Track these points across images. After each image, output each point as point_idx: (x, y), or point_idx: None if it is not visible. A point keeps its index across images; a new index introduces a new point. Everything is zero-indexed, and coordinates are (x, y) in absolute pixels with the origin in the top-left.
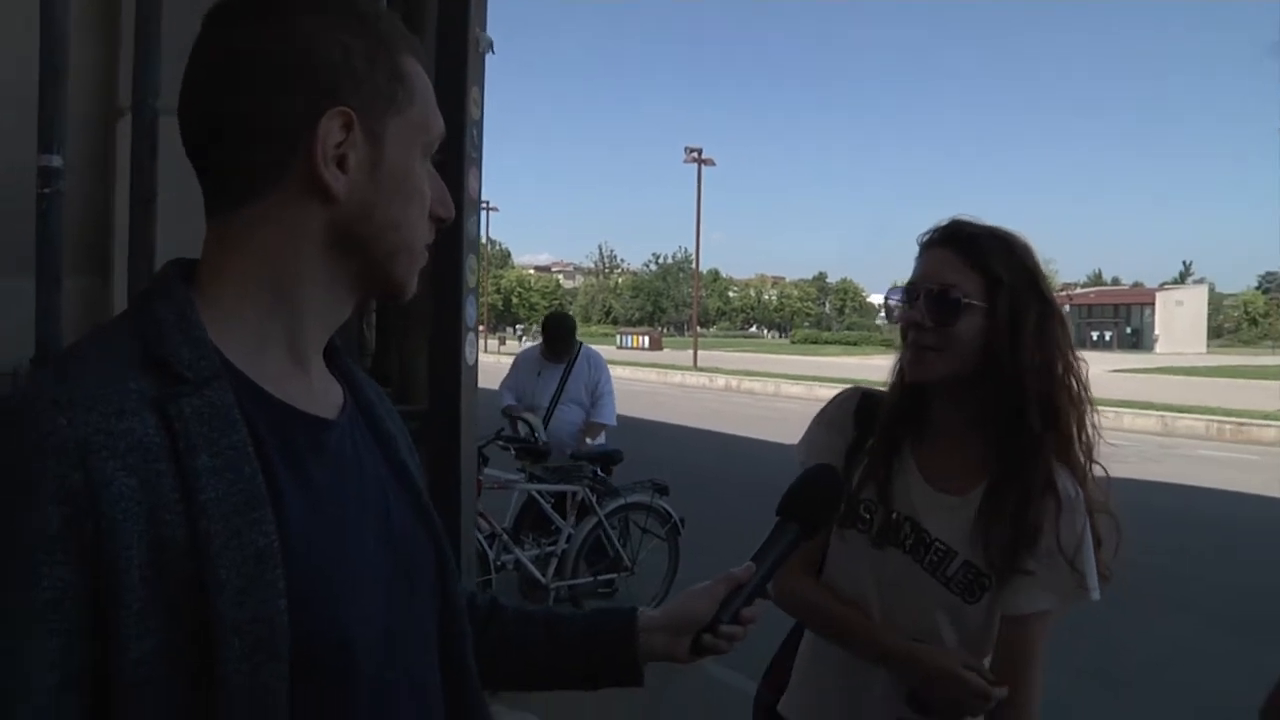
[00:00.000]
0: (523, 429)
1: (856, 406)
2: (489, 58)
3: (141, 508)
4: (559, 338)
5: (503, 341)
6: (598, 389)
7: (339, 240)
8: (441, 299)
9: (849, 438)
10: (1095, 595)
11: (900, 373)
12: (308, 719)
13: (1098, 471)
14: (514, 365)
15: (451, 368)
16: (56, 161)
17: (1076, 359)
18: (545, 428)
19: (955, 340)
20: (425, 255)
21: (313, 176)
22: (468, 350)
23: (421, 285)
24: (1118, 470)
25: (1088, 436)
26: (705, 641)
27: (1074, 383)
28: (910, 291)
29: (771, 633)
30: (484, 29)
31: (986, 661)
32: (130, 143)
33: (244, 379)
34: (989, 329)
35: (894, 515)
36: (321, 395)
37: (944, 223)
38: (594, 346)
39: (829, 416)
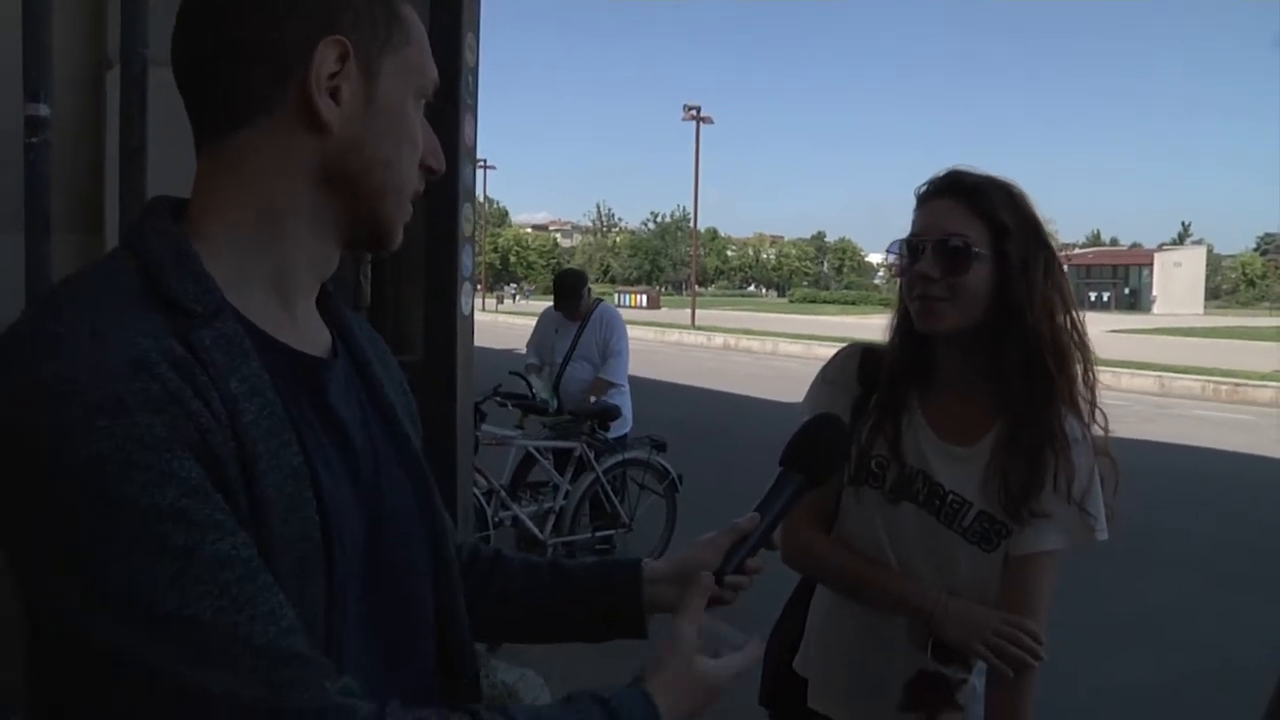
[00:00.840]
0: (536, 384)
1: (859, 363)
2: (487, 7)
3: (210, 416)
4: (565, 294)
5: (500, 300)
6: (608, 347)
7: (329, 175)
8: (436, 248)
9: (854, 394)
10: (1103, 535)
11: (899, 328)
12: (338, 639)
13: (1097, 415)
14: (537, 324)
15: (447, 318)
16: (43, 110)
17: (1076, 304)
18: (558, 384)
19: (965, 290)
20: (410, 209)
21: (306, 104)
22: (464, 300)
23: (417, 234)
24: (1114, 429)
25: (1091, 379)
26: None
27: (1078, 325)
28: (914, 244)
29: (774, 590)
30: None
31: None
32: (119, 94)
33: (239, 315)
34: (999, 277)
35: (906, 469)
36: (308, 338)
37: (942, 173)
38: None
39: (832, 374)
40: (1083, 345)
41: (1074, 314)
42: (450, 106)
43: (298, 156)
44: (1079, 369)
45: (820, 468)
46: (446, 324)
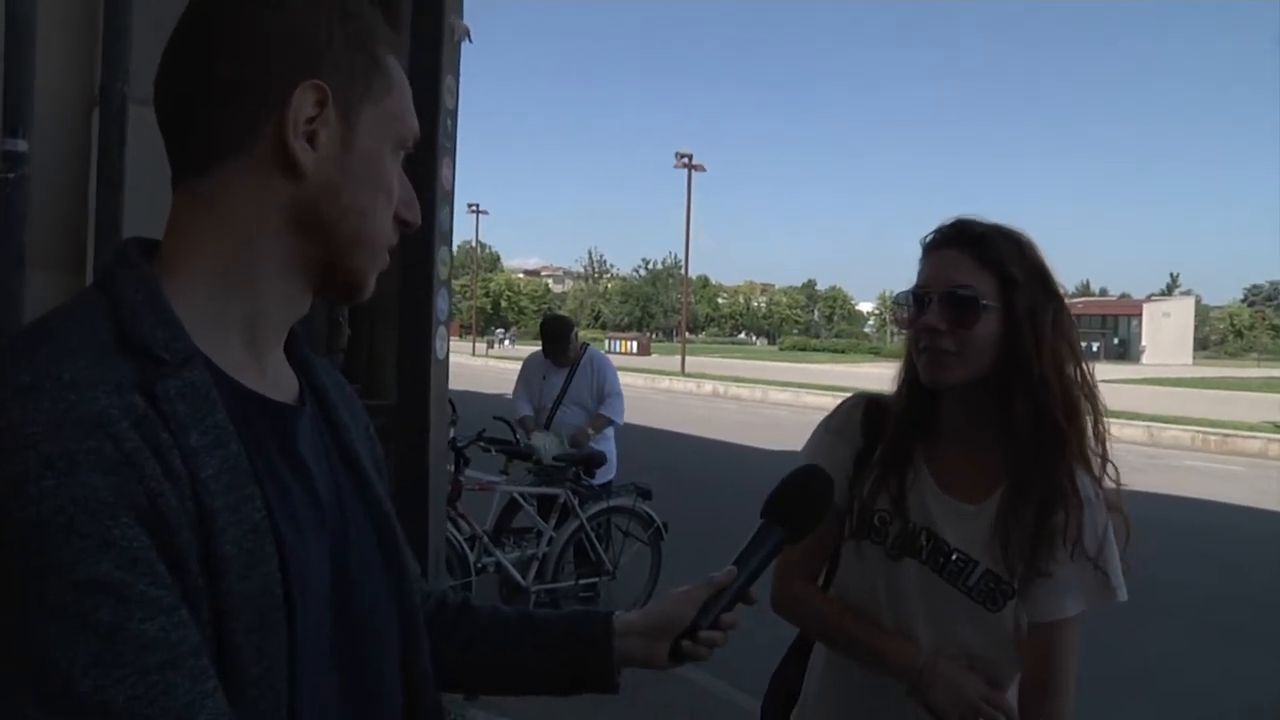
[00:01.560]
0: (541, 442)
1: (864, 413)
2: (473, 52)
3: (166, 477)
4: (552, 341)
5: (491, 345)
6: (605, 389)
7: (302, 220)
8: (411, 291)
9: (857, 446)
10: (1122, 596)
11: (906, 380)
12: (302, 693)
13: (1109, 469)
14: (521, 370)
15: (420, 362)
16: (22, 145)
17: (1084, 354)
18: (547, 430)
19: (973, 343)
20: (386, 259)
21: (282, 147)
22: (438, 344)
23: (392, 278)
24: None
25: (1102, 432)
26: (684, 647)
27: (1087, 376)
28: (920, 296)
29: (762, 643)
30: (460, 16)
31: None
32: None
33: (209, 363)
34: (1007, 329)
35: (910, 525)
36: (275, 384)
37: (948, 222)
38: None
39: (836, 425)
40: (1093, 397)
41: (1084, 365)
42: (428, 149)
43: (271, 199)
44: (1089, 422)
45: (803, 522)
46: (420, 368)
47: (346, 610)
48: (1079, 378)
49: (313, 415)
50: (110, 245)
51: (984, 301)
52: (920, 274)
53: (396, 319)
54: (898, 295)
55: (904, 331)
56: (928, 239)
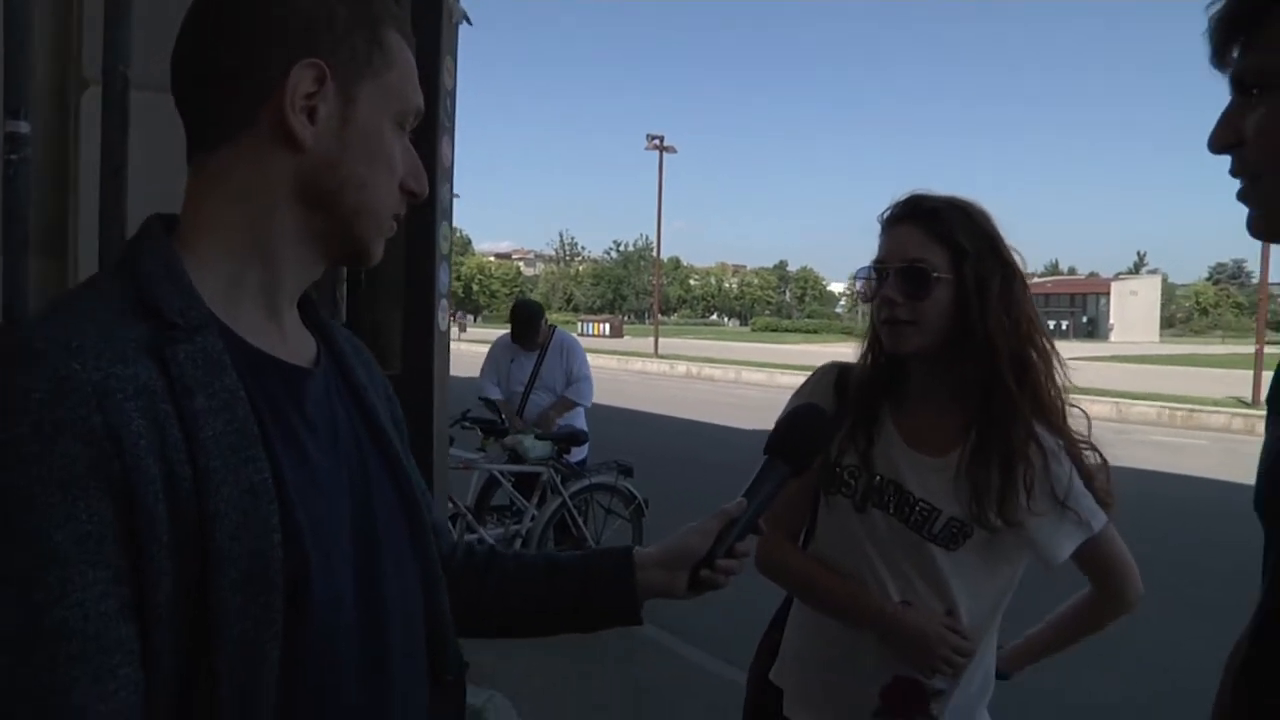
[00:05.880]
0: (529, 444)
1: (835, 379)
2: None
3: (155, 447)
4: (522, 325)
5: (463, 329)
6: (573, 373)
7: (305, 192)
8: (415, 265)
9: (830, 410)
10: (1099, 523)
11: (871, 347)
12: (296, 664)
13: (1074, 415)
14: (489, 354)
15: (424, 333)
16: (24, 127)
17: (1037, 315)
18: (521, 414)
19: (927, 312)
20: (393, 226)
21: (281, 122)
22: (440, 316)
23: (396, 251)
24: None
25: (1058, 384)
26: (703, 576)
27: (1038, 336)
28: (879, 269)
29: (750, 614)
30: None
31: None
32: (100, 114)
33: (225, 328)
34: (958, 298)
35: (877, 479)
36: (294, 347)
37: (903, 198)
38: None
39: (808, 390)
40: (1045, 353)
41: (1036, 324)
42: (428, 128)
43: (274, 171)
44: (1044, 376)
45: (804, 456)
46: (424, 339)
47: (369, 565)
48: (1033, 335)
49: (330, 376)
50: (115, 227)
51: (936, 274)
52: (880, 248)
53: (401, 291)
54: (859, 270)
55: (868, 304)
56: (885, 214)
